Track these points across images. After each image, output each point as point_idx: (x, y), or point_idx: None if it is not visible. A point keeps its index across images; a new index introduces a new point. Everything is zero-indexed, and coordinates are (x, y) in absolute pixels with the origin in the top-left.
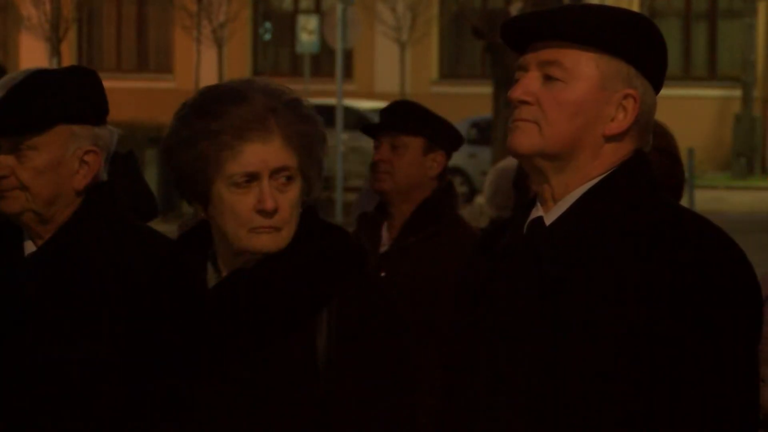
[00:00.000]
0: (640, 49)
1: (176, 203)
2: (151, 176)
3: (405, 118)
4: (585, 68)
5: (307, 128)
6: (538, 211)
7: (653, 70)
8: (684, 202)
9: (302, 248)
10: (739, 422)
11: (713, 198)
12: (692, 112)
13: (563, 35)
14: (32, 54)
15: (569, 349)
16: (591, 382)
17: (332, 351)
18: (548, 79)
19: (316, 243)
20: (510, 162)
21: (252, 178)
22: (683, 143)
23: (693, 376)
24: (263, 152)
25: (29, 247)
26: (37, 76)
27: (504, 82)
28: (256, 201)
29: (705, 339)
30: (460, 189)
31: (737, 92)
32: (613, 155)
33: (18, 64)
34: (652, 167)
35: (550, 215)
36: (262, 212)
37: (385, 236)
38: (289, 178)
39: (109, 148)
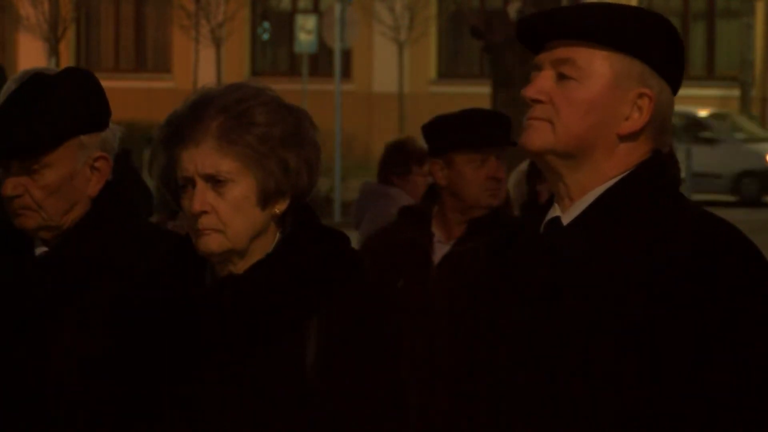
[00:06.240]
0: (655, 47)
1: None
2: (148, 176)
3: (505, 130)
4: (598, 67)
5: (261, 130)
6: (555, 211)
7: (670, 70)
8: None
9: (293, 253)
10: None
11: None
12: None
13: (576, 33)
14: (30, 54)
15: (585, 351)
16: (606, 384)
17: (320, 358)
18: (562, 77)
19: (309, 248)
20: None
21: (188, 182)
22: None
23: (717, 376)
24: (195, 155)
25: (40, 249)
26: (39, 88)
27: (502, 81)
28: (191, 204)
29: (727, 341)
30: None
31: (735, 92)
32: (629, 155)
33: (16, 64)
34: (670, 168)
35: (567, 215)
36: (191, 214)
37: (438, 233)
38: (224, 181)
39: (115, 148)
